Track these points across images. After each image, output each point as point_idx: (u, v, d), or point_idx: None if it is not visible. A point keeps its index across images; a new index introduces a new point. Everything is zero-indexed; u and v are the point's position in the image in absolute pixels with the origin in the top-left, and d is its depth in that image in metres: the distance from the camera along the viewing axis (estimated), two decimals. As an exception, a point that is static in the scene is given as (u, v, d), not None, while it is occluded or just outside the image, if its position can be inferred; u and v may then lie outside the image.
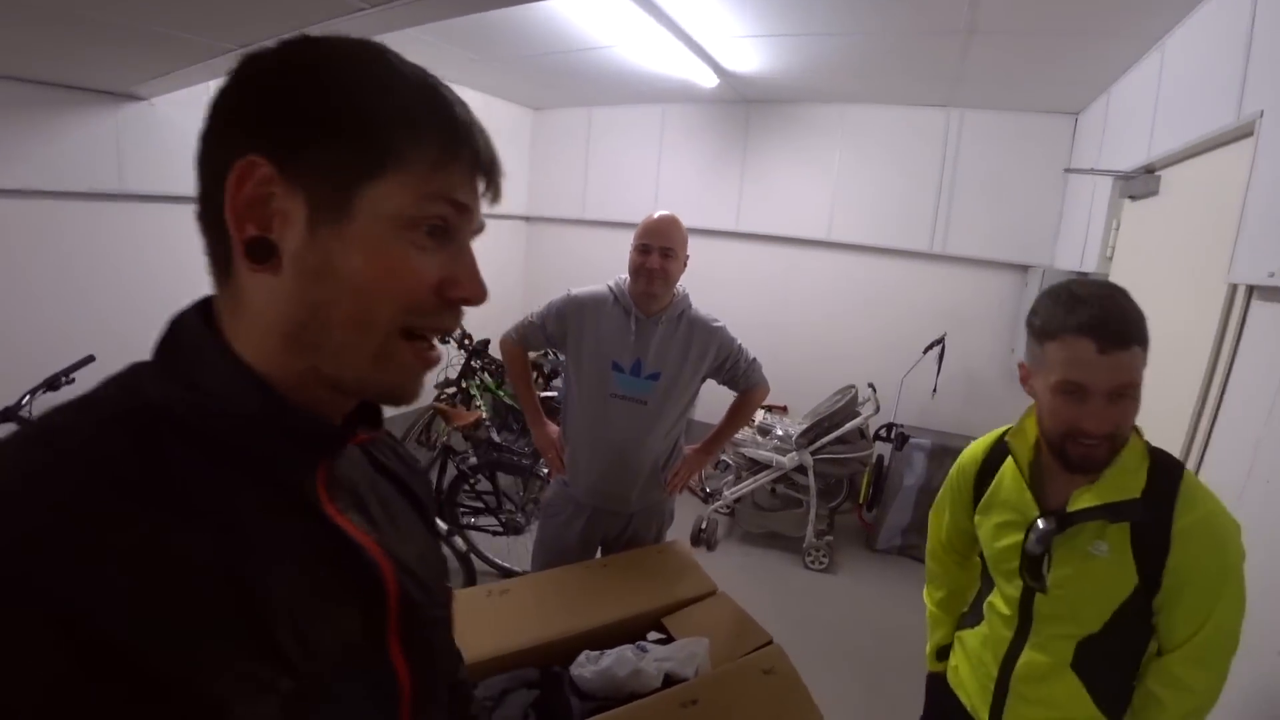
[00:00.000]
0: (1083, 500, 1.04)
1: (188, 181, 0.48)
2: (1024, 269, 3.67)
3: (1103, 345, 0.94)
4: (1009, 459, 1.17)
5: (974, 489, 1.26)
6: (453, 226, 0.49)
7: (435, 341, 0.52)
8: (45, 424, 0.42)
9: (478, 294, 0.51)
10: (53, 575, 0.34)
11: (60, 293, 2.54)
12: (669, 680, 1.40)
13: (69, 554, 0.35)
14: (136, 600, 0.36)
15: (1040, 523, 1.07)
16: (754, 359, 1.99)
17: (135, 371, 0.46)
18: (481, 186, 0.51)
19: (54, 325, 2.52)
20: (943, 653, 1.39)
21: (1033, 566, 1.08)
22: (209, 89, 0.50)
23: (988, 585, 1.26)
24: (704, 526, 3.58)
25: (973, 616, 1.30)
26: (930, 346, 3.66)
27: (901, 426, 3.69)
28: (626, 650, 1.45)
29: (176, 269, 2.32)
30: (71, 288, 2.55)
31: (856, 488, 3.85)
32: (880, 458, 3.78)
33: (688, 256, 1.86)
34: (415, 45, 3.29)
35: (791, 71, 3.40)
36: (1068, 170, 3.12)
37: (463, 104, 0.50)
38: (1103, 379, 0.95)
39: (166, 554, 0.38)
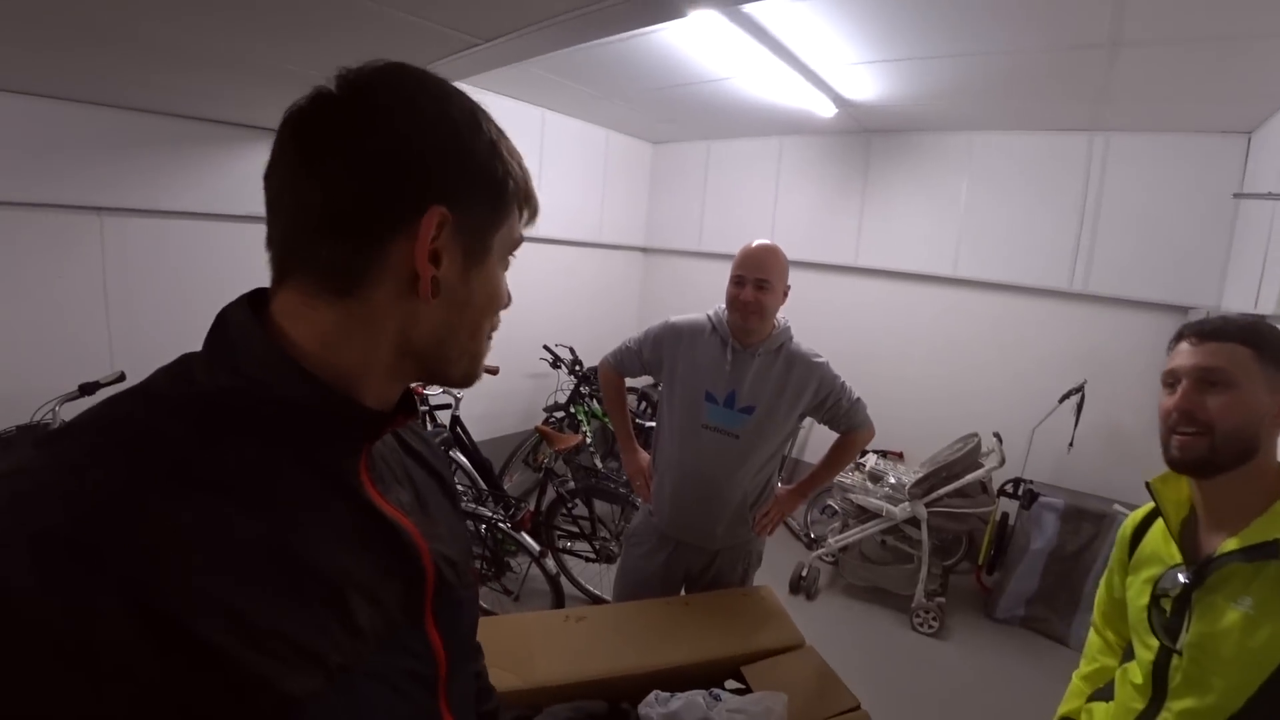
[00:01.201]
0: (1226, 548, 0.93)
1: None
2: (1183, 310, 3.23)
3: (1197, 339, 0.98)
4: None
5: (1129, 550, 1.17)
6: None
7: None
8: (107, 411, 0.45)
9: (508, 304, 0.61)
10: (121, 552, 0.37)
11: (217, 301, 2.83)
12: (740, 734, 1.30)
13: (133, 533, 0.38)
14: (195, 576, 0.39)
15: (1180, 574, 0.98)
16: (858, 399, 1.88)
17: (185, 361, 0.49)
18: (523, 222, 0.60)
19: (192, 329, 2.80)
20: None
21: (1167, 622, 0.98)
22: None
23: (1127, 656, 1.12)
24: (805, 574, 3.39)
25: (1108, 690, 1.17)
26: (1067, 395, 3.31)
27: (1030, 483, 3.35)
28: (698, 696, 1.36)
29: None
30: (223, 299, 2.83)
31: (976, 547, 3.50)
32: (1005, 516, 3.42)
33: (788, 287, 1.79)
34: (539, 83, 3.46)
35: (914, 98, 3.25)
36: (1238, 196, 2.73)
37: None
38: (1190, 362, 0.97)
39: (221, 533, 0.41)
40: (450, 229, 0.50)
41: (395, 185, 0.48)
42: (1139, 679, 1.04)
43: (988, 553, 3.41)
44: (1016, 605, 3.25)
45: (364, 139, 0.48)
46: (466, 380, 0.59)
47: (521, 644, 1.51)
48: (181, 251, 2.77)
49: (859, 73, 2.92)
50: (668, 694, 1.39)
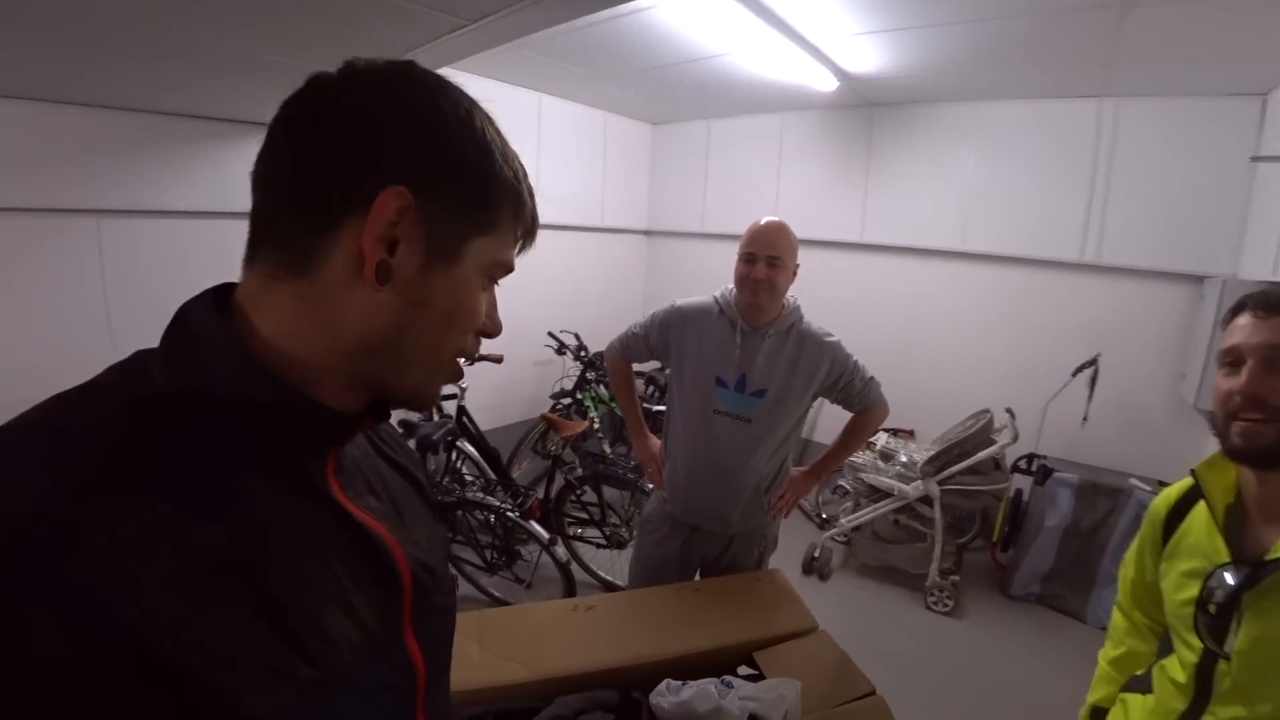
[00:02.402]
0: None
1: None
2: (1198, 279, 3.16)
3: (1261, 312, 0.89)
4: (1202, 501, 0.99)
5: (1163, 533, 1.09)
6: (501, 278, 0.57)
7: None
8: (51, 410, 0.42)
9: (499, 329, 0.58)
10: (62, 563, 0.34)
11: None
12: (753, 722, 1.28)
13: (77, 541, 0.35)
14: (147, 589, 0.36)
15: (1228, 574, 0.89)
16: (871, 378, 1.84)
17: (140, 358, 0.46)
18: (517, 249, 0.57)
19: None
20: (1098, 715, 1.20)
21: (1212, 624, 0.89)
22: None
23: (1165, 648, 1.06)
24: (817, 554, 3.38)
25: (1144, 681, 1.11)
26: (1080, 369, 3.25)
27: (1044, 458, 3.31)
28: (710, 684, 1.34)
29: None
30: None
31: (990, 524, 3.48)
32: (1019, 492, 3.38)
33: (798, 266, 1.75)
34: (534, 67, 3.41)
35: (917, 69, 3.17)
36: (1255, 159, 2.65)
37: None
38: (1255, 339, 0.88)
39: (178, 542, 0.38)
40: (413, 217, 0.47)
41: (360, 160, 0.46)
42: (1181, 678, 0.98)
43: (1002, 530, 3.38)
44: (1032, 582, 3.22)
45: (342, 113, 0.47)
46: (417, 397, 0.54)
47: (531, 635, 1.50)
48: (178, 250, 2.75)
49: (860, 43, 2.85)
50: (679, 682, 1.37)
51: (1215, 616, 0.90)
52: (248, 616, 0.40)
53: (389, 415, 0.58)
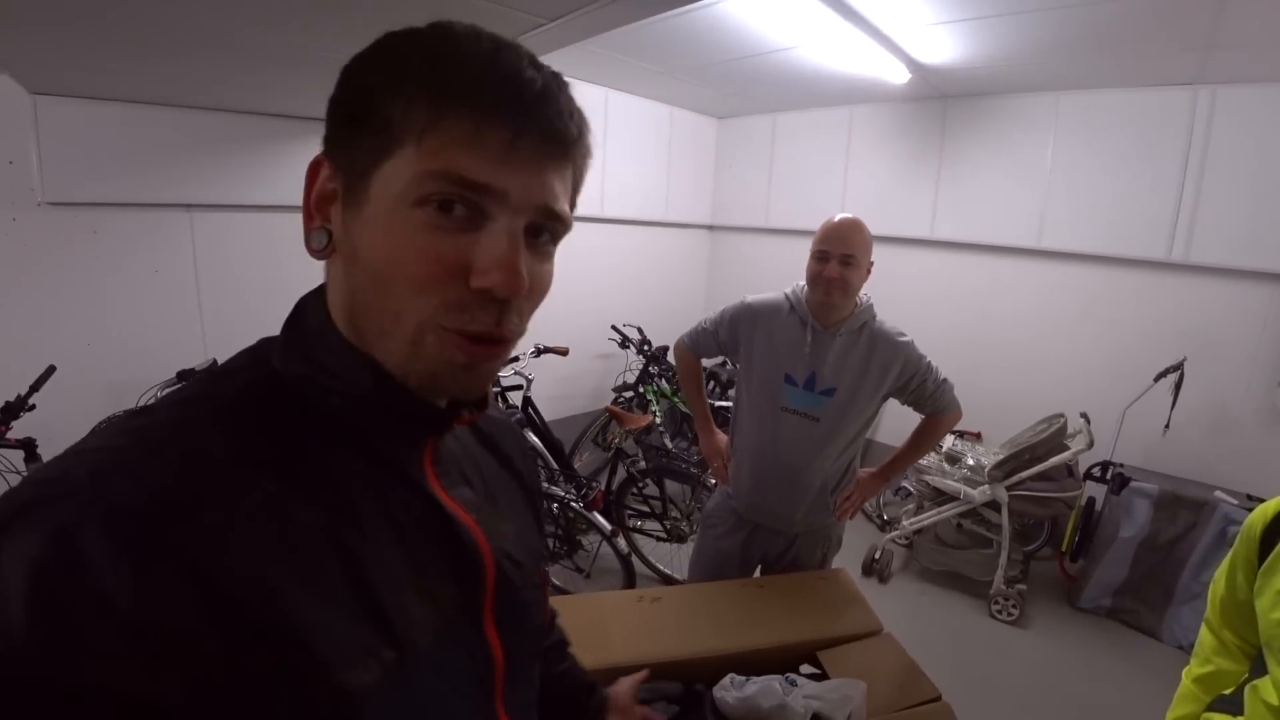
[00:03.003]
0: None
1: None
2: (1300, 281, 2.96)
3: None
4: None
5: (1259, 549, 1.03)
6: (477, 206, 0.43)
7: (492, 335, 0.46)
8: (192, 390, 0.47)
9: (500, 283, 0.43)
10: (189, 533, 0.37)
11: (296, 289, 2.96)
12: (817, 721, 1.28)
13: (200, 512, 0.38)
14: (256, 559, 0.39)
15: None
16: (944, 380, 1.80)
17: (264, 346, 0.50)
18: (536, 153, 0.44)
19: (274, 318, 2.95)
20: None
21: None
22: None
23: (1259, 668, 1.01)
24: (878, 556, 3.33)
25: (1232, 702, 1.06)
26: (1164, 374, 3.09)
27: (1120, 466, 3.16)
28: (774, 681, 1.35)
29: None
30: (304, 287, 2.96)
31: (1060, 533, 3.35)
32: (1090, 500, 3.25)
33: (871, 264, 1.72)
34: (601, 62, 3.44)
35: (995, 59, 3.06)
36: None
37: (492, 59, 0.43)
38: None
39: (283, 520, 0.41)
40: (329, 172, 0.47)
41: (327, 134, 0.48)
42: (1275, 700, 0.94)
43: (1072, 539, 3.25)
44: (1103, 595, 3.09)
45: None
46: (414, 377, 0.46)
47: (597, 623, 1.53)
48: (263, 243, 2.90)
49: (936, 34, 2.77)
50: (743, 677, 1.38)
51: None
52: (340, 594, 0.43)
53: (487, 406, 0.56)
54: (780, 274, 1.83)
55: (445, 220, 0.43)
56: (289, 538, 0.41)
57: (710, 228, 5.30)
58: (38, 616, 0.33)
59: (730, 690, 1.35)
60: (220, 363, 0.51)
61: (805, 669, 1.52)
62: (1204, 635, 1.20)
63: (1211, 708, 1.11)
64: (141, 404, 2.29)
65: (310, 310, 0.51)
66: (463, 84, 0.42)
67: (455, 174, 0.42)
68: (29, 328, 2.36)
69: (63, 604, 0.33)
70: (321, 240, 0.48)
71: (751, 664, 1.44)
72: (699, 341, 1.95)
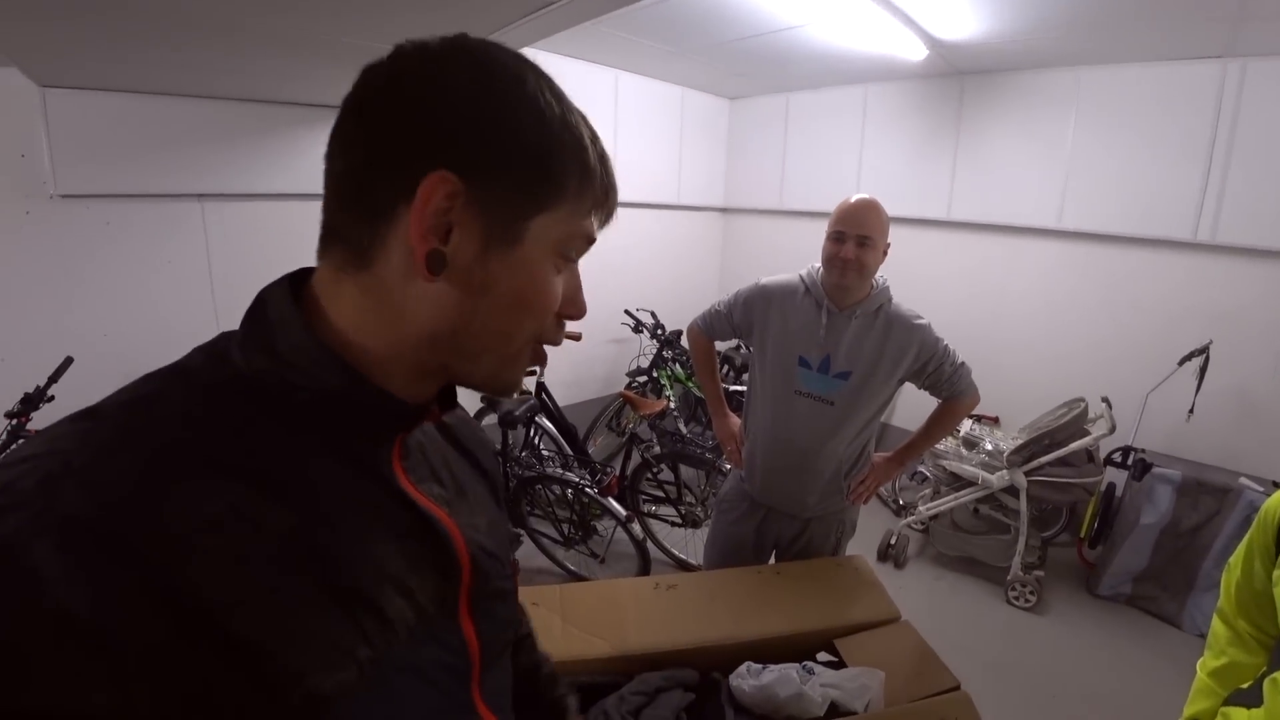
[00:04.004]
0: None
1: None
2: (1334, 262, 2.87)
3: None
4: None
5: (1276, 537, 1.01)
6: (579, 254, 0.54)
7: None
8: (142, 390, 0.45)
9: (578, 312, 0.55)
10: (148, 541, 0.36)
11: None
12: (834, 710, 1.28)
13: (161, 520, 0.37)
14: (222, 567, 0.38)
15: None
16: (962, 363, 1.77)
17: (223, 341, 0.48)
18: (598, 222, 0.54)
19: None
20: None
21: None
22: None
23: (1278, 660, 0.99)
24: (893, 541, 3.32)
25: (1250, 695, 1.03)
26: (1189, 357, 3.02)
27: (1142, 452, 3.10)
28: (791, 669, 1.34)
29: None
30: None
31: (1079, 519, 3.32)
32: (1111, 486, 3.20)
33: (888, 245, 1.69)
34: (611, 43, 3.39)
35: (1016, 33, 2.97)
36: None
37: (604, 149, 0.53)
38: None
39: (250, 524, 0.40)
40: (464, 202, 0.45)
41: (403, 148, 0.45)
42: None
43: (1091, 525, 3.21)
44: (1122, 582, 3.05)
45: (385, 102, 0.46)
46: (496, 384, 0.53)
47: (613, 611, 1.53)
48: (274, 232, 2.90)
49: (954, 8, 2.70)
50: (760, 666, 1.38)
51: None
52: (312, 596, 0.42)
53: (456, 404, 0.58)
54: (795, 256, 1.80)
55: (563, 265, 0.52)
56: (256, 543, 0.40)
57: (723, 210, 5.25)
58: None
59: (747, 678, 1.34)
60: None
61: (822, 656, 1.51)
62: (1217, 626, 1.17)
63: (1229, 701, 1.08)
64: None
65: (272, 303, 0.49)
66: (613, 185, 0.54)
67: (591, 237, 0.53)
68: (47, 320, 2.38)
69: (18, 624, 0.32)
70: (441, 266, 0.46)
71: (768, 651, 1.44)
72: (712, 324, 1.93)
